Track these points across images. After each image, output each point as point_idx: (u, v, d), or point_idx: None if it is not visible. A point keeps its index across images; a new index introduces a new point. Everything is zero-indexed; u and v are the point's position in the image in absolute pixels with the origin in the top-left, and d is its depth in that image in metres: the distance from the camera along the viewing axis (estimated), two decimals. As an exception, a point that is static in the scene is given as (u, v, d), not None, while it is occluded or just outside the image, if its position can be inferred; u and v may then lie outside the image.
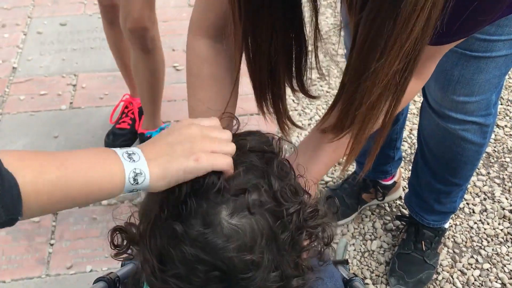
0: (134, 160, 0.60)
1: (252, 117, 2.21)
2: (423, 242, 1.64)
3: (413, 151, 2.06)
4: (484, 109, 1.29)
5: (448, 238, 1.76)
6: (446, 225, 1.68)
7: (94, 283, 0.84)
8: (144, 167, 0.60)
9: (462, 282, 1.64)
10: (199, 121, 0.68)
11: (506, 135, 2.13)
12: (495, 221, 1.81)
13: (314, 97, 1.00)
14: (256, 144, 0.70)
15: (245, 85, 2.67)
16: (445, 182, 1.51)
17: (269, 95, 0.89)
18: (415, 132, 2.14)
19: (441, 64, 1.19)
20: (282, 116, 0.94)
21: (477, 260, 1.70)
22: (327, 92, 2.34)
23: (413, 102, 2.26)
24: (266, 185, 0.65)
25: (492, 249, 1.73)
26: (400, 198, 1.89)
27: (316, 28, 0.80)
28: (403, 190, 1.91)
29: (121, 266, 0.95)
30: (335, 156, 0.94)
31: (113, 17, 1.84)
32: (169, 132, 0.65)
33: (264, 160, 0.68)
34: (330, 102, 2.37)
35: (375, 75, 0.69)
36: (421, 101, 2.26)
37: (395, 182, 1.83)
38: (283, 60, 0.84)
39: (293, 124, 0.98)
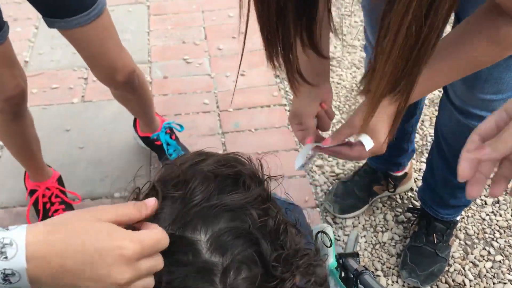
0: None
1: (263, 109, 2.22)
2: (434, 234, 1.63)
3: (424, 143, 2.05)
4: None
5: (460, 230, 1.75)
6: (458, 218, 1.67)
7: None
8: None
9: (474, 274, 1.63)
10: (141, 247, 0.54)
11: (519, 126, 2.10)
12: (508, 213, 1.80)
13: (325, 57, 0.96)
14: (243, 198, 0.61)
15: (256, 77, 2.67)
16: None
17: (280, 45, 0.83)
18: (426, 123, 2.13)
19: None
20: (292, 69, 0.90)
21: (489, 252, 1.69)
22: (338, 83, 2.33)
23: (425, 93, 2.25)
24: (257, 255, 0.59)
25: (505, 241, 1.72)
26: (411, 189, 1.89)
27: None
28: (415, 181, 1.91)
29: None
30: None
31: (19, 109, 1.50)
32: (92, 261, 0.51)
33: (254, 216, 0.60)
34: (341, 94, 2.36)
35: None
36: (433, 93, 2.25)
37: (406, 173, 1.83)
38: (292, 2, 0.78)
39: (303, 79, 0.93)
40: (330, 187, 1.88)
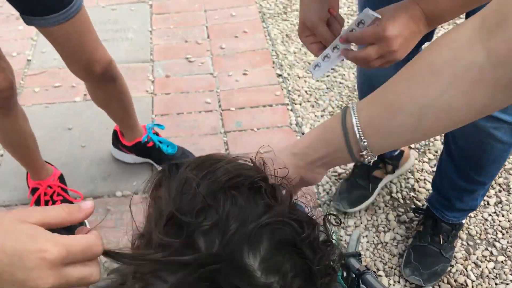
0: None
1: (265, 108, 2.21)
2: (441, 235, 1.63)
3: (427, 142, 2.05)
4: None
5: (463, 230, 1.75)
6: (463, 220, 1.68)
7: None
8: None
9: (476, 275, 1.63)
10: (66, 248, 0.50)
11: (522, 126, 2.10)
12: (510, 213, 1.79)
13: None
14: (277, 213, 0.57)
15: (257, 75, 2.65)
16: (469, 179, 1.50)
17: None
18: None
19: None
20: None
21: (491, 253, 1.69)
22: (340, 83, 2.33)
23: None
24: (303, 263, 0.57)
25: (507, 242, 1.71)
26: (414, 190, 1.88)
27: None
28: (417, 182, 1.90)
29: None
30: None
31: (9, 103, 1.49)
32: (12, 264, 0.48)
33: (294, 227, 0.57)
34: (344, 93, 2.36)
35: None
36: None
37: (402, 152, 1.85)
38: None
39: None
40: (332, 187, 1.88)
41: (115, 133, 1.93)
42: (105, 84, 1.62)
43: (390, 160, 1.83)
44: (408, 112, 0.67)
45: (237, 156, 0.65)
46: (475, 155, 1.43)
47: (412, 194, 1.88)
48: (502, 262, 1.66)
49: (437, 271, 1.61)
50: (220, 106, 2.21)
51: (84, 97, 2.26)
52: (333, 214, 0.69)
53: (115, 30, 2.63)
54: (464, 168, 1.49)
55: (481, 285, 1.60)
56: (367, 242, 1.73)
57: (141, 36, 2.61)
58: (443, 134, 1.54)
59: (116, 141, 1.94)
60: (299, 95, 2.26)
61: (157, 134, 1.93)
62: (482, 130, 1.35)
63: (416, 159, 1.95)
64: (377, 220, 1.79)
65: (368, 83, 1.63)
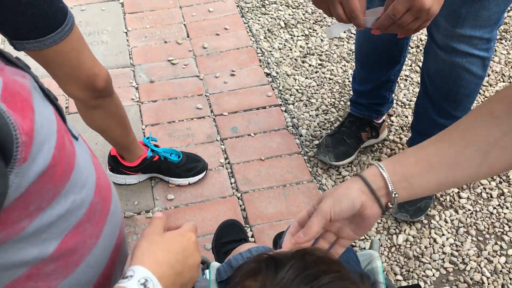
0: None
1: (259, 111, 2.15)
2: None
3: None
4: (486, 43, 1.47)
5: (471, 226, 1.77)
6: None
7: None
8: None
9: (490, 271, 1.66)
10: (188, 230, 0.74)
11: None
12: (513, 205, 1.83)
13: None
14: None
15: (246, 75, 2.56)
16: (447, 116, 1.64)
17: None
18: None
19: (450, 4, 1.34)
20: None
21: (501, 247, 1.72)
22: (330, 79, 2.29)
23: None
24: None
25: (514, 234, 1.75)
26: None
27: None
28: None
29: None
30: None
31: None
32: (177, 251, 0.68)
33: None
34: (335, 90, 2.35)
35: None
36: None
37: (383, 120, 2.01)
38: None
39: None
40: (319, 141, 1.99)
41: (113, 158, 1.80)
42: (104, 100, 1.51)
43: (376, 127, 1.97)
44: (475, 147, 0.72)
45: (343, 270, 0.67)
46: (452, 91, 1.58)
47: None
48: (512, 255, 1.70)
49: (421, 207, 1.77)
50: (212, 111, 2.14)
51: (66, 110, 2.12)
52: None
53: (88, 33, 2.48)
54: (442, 105, 1.64)
55: (497, 281, 1.63)
56: (381, 245, 1.72)
57: (116, 38, 2.47)
58: (420, 76, 1.71)
59: (117, 166, 1.81)
60: (290, 95, 2.22)
61: (156, 145, 1.85)
62: (458, 66, 1.51)
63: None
64: (387, 222, 1.79)
65: (368, 40, 1.75)
